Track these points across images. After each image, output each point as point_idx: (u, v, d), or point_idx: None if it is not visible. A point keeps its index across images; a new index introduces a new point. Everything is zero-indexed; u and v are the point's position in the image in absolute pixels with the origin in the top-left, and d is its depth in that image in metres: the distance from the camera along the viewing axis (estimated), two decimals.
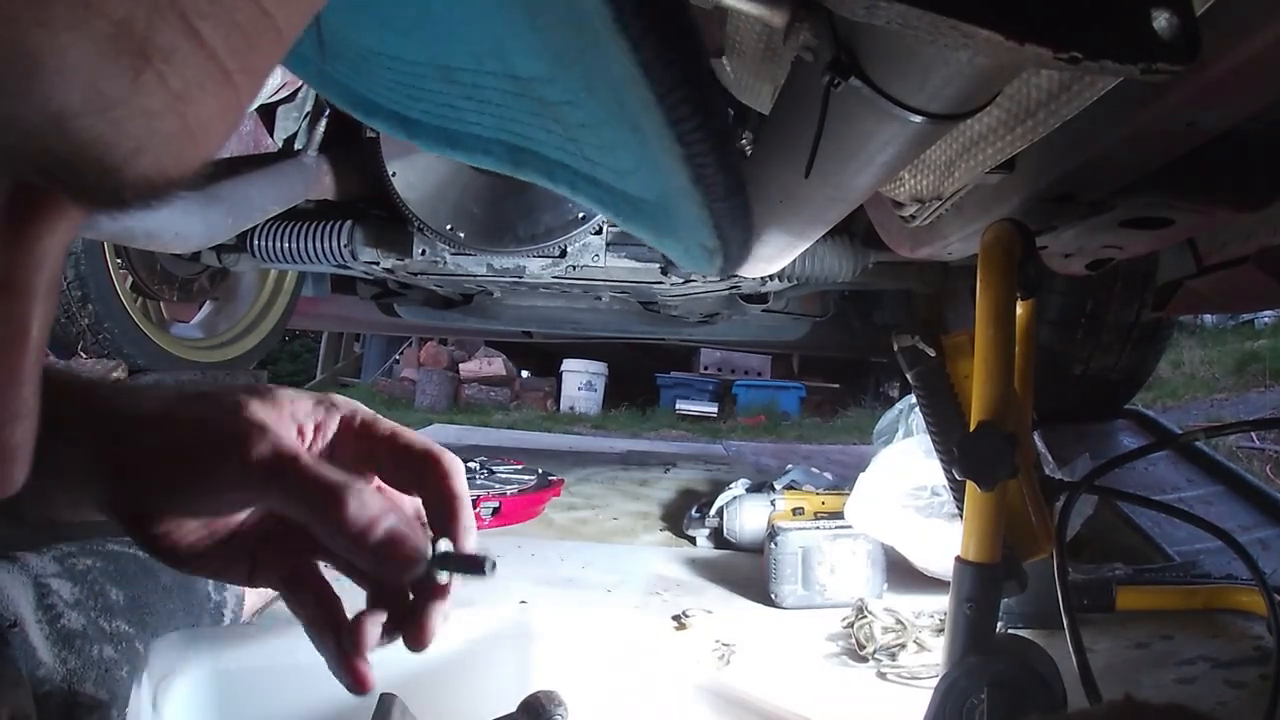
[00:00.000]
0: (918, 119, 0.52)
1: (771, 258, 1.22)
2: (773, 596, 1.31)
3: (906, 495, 1.33)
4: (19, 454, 0.25)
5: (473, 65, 0.41)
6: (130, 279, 1.95)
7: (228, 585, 0.93)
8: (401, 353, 6.81)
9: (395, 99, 0.48)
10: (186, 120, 0.21)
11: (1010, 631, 1.06)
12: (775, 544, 1.31)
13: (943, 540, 1.26)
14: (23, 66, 0.18)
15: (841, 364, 6.27)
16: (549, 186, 0.48)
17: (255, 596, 1.01)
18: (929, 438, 0.91)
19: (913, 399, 1.39)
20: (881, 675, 1.06)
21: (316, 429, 0.50)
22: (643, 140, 0.37)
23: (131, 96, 0.20)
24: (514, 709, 0.63)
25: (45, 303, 0.24)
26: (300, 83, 1.53)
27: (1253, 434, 2.75)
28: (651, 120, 0.34)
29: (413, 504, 0.52)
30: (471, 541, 0.49)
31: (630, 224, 0.50)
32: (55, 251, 0.24)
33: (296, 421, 0.49)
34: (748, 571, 1.49)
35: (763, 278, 1.73)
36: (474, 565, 0.47)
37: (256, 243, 1.78)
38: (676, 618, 1.24)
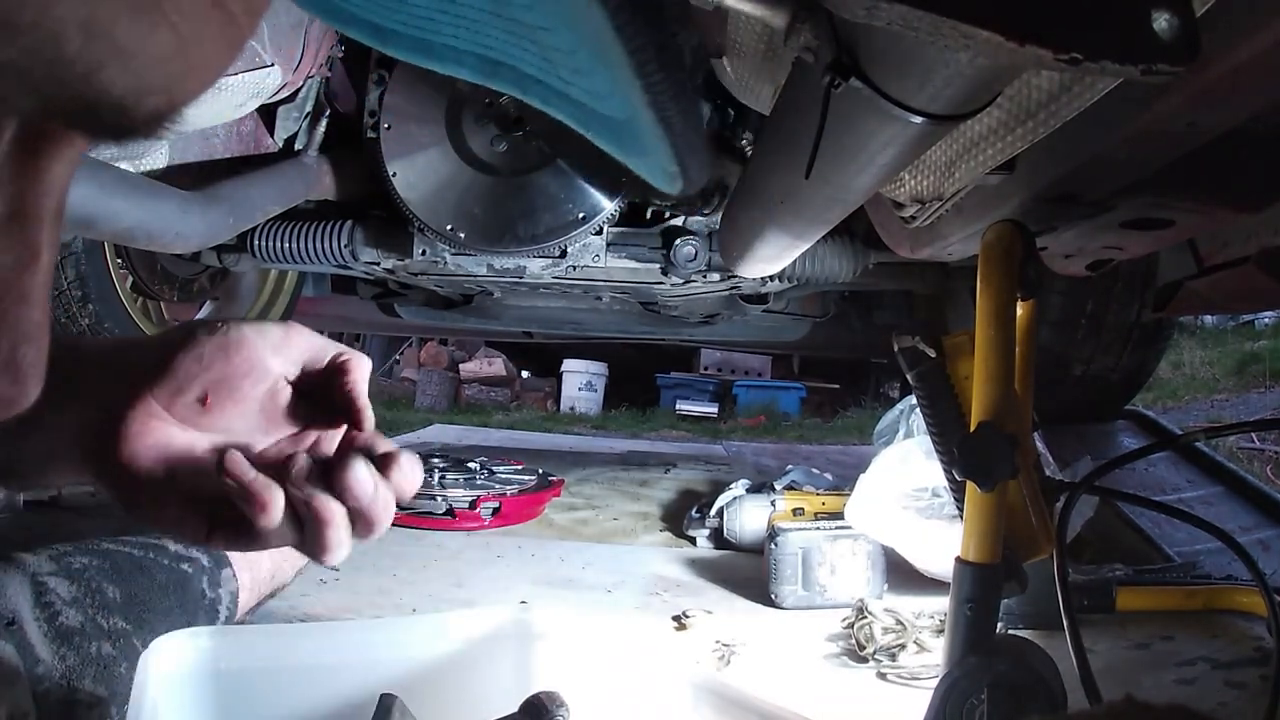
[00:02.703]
0: (918, 120, 0.52)
1: (772, 258, 1.22)
2: (773, 597, 1.31)
3: (906, 496, 1.33)
4: (32, 372, 0.27)
5: None
6: (131, 279, 1.95)
7: (222, 583, 0.93)
8: (402, 353, 6.81)
9: (371, 9, 0.50)
10: (193, 60, 0.23)
11: (1010, 632, 1.06)
12: (775, 544, 1.31)
13: (943, 541, 1.26)
14: (49, 34, 0.20)
15: (842, 365, 6.27)
16: (520, 97, 0.51)
17: (249, 594, 1.01)
18: (929, 438, 0.91)
19: (913, 399, 1.39)
20: (881, 676, 1.06)
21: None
22: (614, 75, 0.41)
23: (147, 46, 0.22)
24: (515, 710, 0.63)
25: (53, 227, 0.26)
26: (301, 83, 1.53)
27: (1253, 435, 2.75)
28: (624, 73, 0.38)
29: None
30: (369, 425, 0.52)
31: (600, 139, 0.53)
32: (62, 178, 0.26)
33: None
34: (748, 572, 1.48)
35: (763, 278, 1.72)
36: None
37: (257, 243, 1.78)
38: (676, 618, 1.25)
